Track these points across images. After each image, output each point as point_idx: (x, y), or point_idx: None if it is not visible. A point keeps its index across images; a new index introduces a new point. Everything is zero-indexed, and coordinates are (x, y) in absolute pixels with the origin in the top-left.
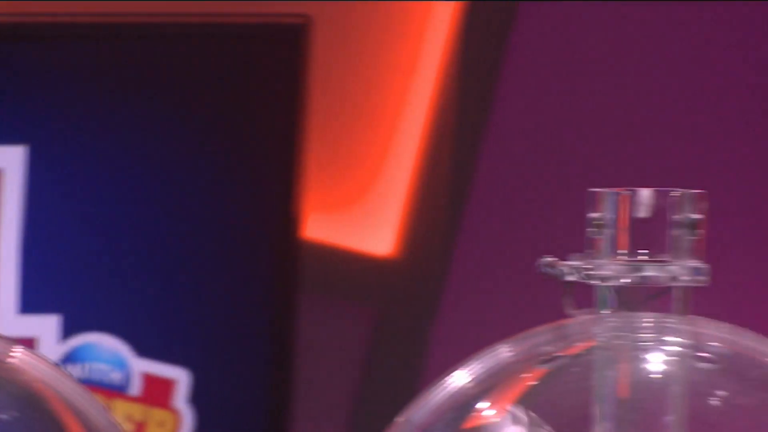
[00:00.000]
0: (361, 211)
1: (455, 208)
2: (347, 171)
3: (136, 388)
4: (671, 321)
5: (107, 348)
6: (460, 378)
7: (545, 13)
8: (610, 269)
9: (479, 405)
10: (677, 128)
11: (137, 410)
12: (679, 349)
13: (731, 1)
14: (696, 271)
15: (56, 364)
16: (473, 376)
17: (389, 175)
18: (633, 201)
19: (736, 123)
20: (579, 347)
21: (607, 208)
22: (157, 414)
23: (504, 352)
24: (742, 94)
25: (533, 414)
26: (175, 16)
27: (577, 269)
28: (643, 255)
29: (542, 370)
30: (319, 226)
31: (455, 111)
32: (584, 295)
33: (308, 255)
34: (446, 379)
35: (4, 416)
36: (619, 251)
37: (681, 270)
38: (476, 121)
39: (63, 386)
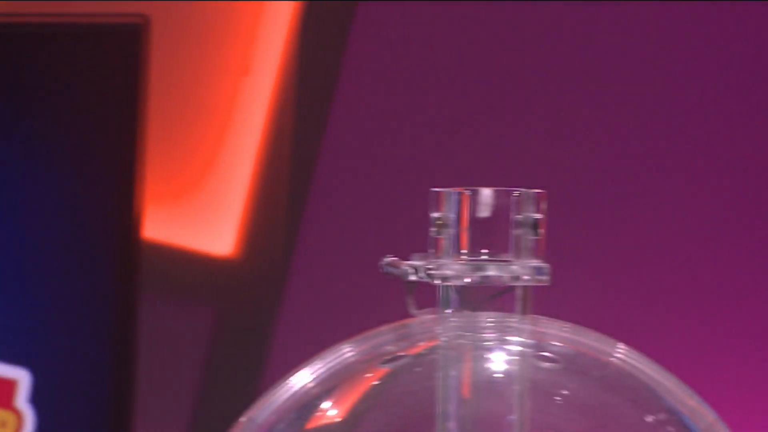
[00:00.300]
0: (201, 211)
1: (295, 208)
2: (187, 171)
3: None
4: (513, 320)
5: None
6: (302, 378)
7: (384, 14)
8: (452, 269)
9: (322, 405)
10: (519, 127)
11: None
12: (522, 348)
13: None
14: (537, 270)
15: None
16: (316, 376)
17: (229, 175)
18: (474, 200)
19: (577, 122)
20: (421, 347)
21: (448, 208)
22: None
23: (346, 351)
24: (578, 93)
25: None
26: (10, 16)
27: (419, 269)
28: (485, 255)
29: (385, 369)
30: (160, 226)
31: (295, 110)
32: (427, 295)
33: (149, 255)
34: (289, 378)
35: None
36: (461, 251)
37: (522, 269)
38: (316, 120)
39: None
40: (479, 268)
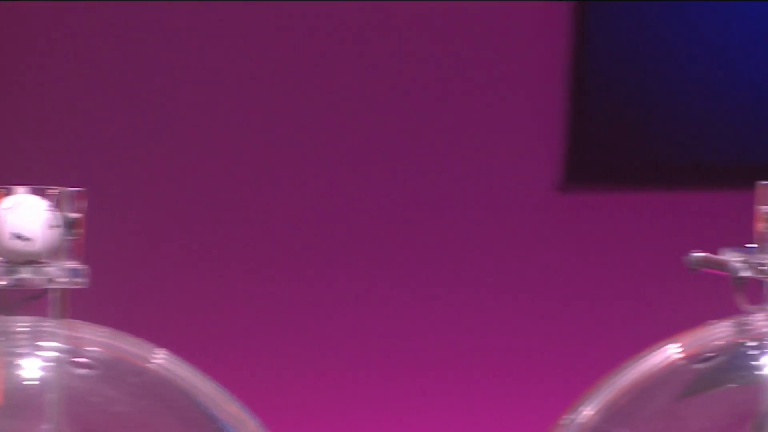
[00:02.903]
0: None
1: None
2: None
3: None
4: (48, 325)
5: None
6: None
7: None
8: None
9: None
10: (65, 128)
11: None
12: (56, 354)
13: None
14: (74, 272)
15: None
16: None
17: None
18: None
19: (128, 118)
20: None
21: None
22: None
23: None
24: (147, 90)
25: None
26: None
27: None
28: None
29: None
30: None
31: None
32: None
33: None
34: None
35: None
36: None
37: (58, 272)
38: None
39: None
40: (12, 271)
